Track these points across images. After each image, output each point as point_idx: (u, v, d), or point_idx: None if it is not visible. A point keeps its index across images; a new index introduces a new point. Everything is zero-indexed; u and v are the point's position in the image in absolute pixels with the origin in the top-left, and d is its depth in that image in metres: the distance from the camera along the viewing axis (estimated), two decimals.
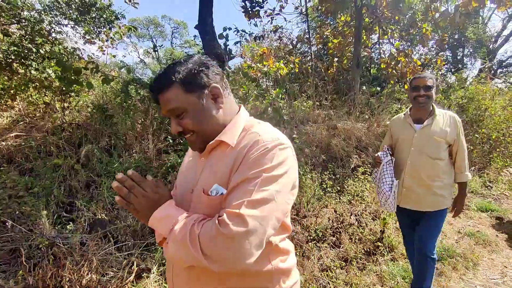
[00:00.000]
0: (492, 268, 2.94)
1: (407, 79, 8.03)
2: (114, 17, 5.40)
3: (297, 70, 7.86)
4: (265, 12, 8.72)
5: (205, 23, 4.75)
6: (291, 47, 9.38)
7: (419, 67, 8.23)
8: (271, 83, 7.46)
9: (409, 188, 2.09)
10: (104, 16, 5.33)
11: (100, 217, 2.80)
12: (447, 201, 2.06)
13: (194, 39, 5.25)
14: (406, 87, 7.86)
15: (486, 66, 8.61)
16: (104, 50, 6.05)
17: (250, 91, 5.36)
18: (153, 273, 2.34)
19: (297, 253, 2.80)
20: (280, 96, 5.11)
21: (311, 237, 3.07)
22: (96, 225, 2.68)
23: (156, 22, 26.78)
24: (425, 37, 8.26)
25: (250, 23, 8.79)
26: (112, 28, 5.60)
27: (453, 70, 11.27)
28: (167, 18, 27.91)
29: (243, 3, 7.01)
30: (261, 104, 5.21)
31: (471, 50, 11.29)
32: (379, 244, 3.04)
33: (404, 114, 2.27)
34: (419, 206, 2.08)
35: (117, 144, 4.07)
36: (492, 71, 12.70)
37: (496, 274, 2.84)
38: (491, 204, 4.17)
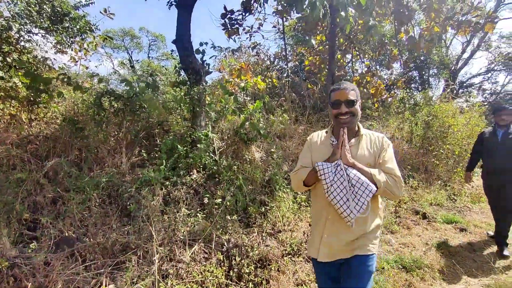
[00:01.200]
0: (456, 278, 3.07)
1: (375, 98, 8.45)
2: (88, 28, 5.29)
3: (276, 85, 8.02)
4: (244, 29, 8.93)
5: (182, 38, 4.76)
6: (268, 63, 9.60)
7: (382, 88, 8.70)
8: (248, 98, 7.57)
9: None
10: (78, 26, 5.21)
11: (67, 235, 2.66)
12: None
13: (172, 53, 5.23)
14: (376, 105, 8.26)
15: (449, 87, 9.24)
16: (76, 61, 5.87)
17: (227, 105, 5.40)
18: None
19: (272, 268, 2.79)
20: (257, 110, 5.17)
21: (286, 252, 3.07)
22: (63, 243, 2.54)
23: (132, 34, 26.44)
24: (392, 59, 8.78)
25: (229, 40, 8.94)
26: (87, 39, 5.48)
27: (420, 88, 12.00)
28: (145, 30, 27.65)
29: (223, 21, 7.13)
30: (238, 119, 5.25)
31: (435, 71, 12.15)
32: None
33: (326, 132, 1.82)
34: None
35: (88, 158, 3.91)
36: (454, 91, 13.67)
37: (461, 284, 2.97)
38: (455, 216, 4.40)
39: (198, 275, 2.50)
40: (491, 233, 3.94)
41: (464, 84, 16.43)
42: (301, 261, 2.99)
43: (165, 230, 2.96)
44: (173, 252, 2.70)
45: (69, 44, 5.39)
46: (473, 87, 16.52)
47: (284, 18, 8.12)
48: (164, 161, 3.90)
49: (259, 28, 8.91)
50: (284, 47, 9.13)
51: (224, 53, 11.99)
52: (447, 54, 13.42)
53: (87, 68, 6.39)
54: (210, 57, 8.52)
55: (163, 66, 7.89)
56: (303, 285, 2.70)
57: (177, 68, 5.05)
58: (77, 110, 4.50)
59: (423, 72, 12.80)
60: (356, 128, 1.73)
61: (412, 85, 12.61)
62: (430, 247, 3.52)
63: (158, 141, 5.03)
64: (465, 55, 15.34)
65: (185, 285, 2.41)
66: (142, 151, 4.37)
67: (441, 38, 13.26)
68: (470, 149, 6.35)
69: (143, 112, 4.71)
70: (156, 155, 4.35)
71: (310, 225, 3.49)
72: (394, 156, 1.69)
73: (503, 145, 3.60)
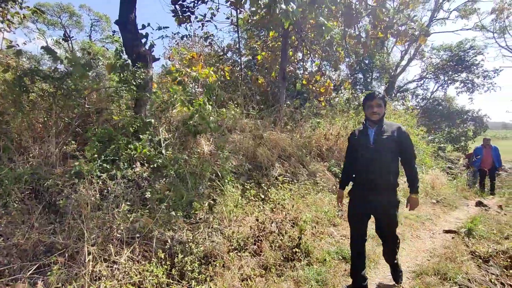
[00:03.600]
0: (387, 265, 3.32)
1: (324, 96, 8.83)
2: None
3: (228, 78, 7.87)
4: (196, 18, 8.59)
5: (126, 19, 4.37)
6: (221, 54, 9.40)
7: (330, 88, 9.14)
8: (199, 89, 7.31)
9: None
10: None
11: None
12: None
13: (114, 34, 4.78)
14: (323, 104, 8.62)
15: (386, 90, 10.06)
16: None
17: (176, 96, 5.13)
18: None
19: (217, 264, 2.72)
20: (207, 103, 5.00)
21: (233, 247, 3.02)
22: None
23: (71, 11, 23.85)
24: (338, 60, 9.24)
25: (180, 26, 8.52)
26: (11, 9, 4.73)
27: (363, 90, 12.91)
28: (86, 8, 25.12)
29: (173, 7, 6.74)
30: (187, 110, 5.03)
31: (378, 75, 13.18)
32: (297, 250, 3.16)
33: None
34: None
35: (8, 147, 3.40)
36: (393, 94, 15.01)
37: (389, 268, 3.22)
38: None
39: (136, 276, 2.32)
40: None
41: (401, 89, 18.10)
42: (247, 256, 2.97)
43: (100, 228, 2.69)
44: (108, 252, 2.47)
45: None
46: (408, 92, 18.29)
47: (238, 10, 7.98)
48: (97, 151, 3.55)
49: (212, 18, 8.66)
50: (238, 40, 9.00)
51: (175, 41, 11.44)
52: (388, 60, 14.61)
53: (11, 42, 5.55)
54: (158, 38, 7.99)
55: (106, 49, 7.22)
56: (248, 280, 2.68)
57: (118, 51, 4.64)
58: None
59: (367, 75, 13.79)
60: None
61: (357, 87, 13.51)
62: (368, 237, 3.76)
63: (96, 130, 4.60)
64: (403, 63, 16.90)
65: (120, 287, 2.21)
66: (76, 140, 3.95)
67: (383, 45, 14.37)
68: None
69: (78, 97, 4.25)
70: (89, 147, 3.96)
71: (257, 219, 3.48)
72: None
73: (376, 149, 2.51)
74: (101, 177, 3.48)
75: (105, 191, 3.53)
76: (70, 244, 2.39)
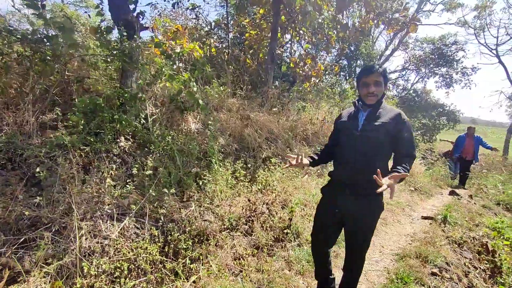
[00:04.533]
0: (373, 248, 3.47)
1: (312, 80, 8.82)
2: None
3: (214, 53, 7.60)
4: None
5: None
6: (208, 29, 9.03)
7: (321, 71, 9.14)
8: (182, 65, 7.02)
9: None
10: None
11: None
12: None
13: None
14: (308, 89, 8.62)
15: None
16: None
17: (164, 69, 4.88)
18: (34, 275, 1.86)
19: (211, 243, 2.69)
20: (193, 79, 4.81)
21: (225, 226, 3.00)
22: None
23: None
24: (330, 44, 9.20)
25: None
26: None
27: (347, 77, 13.07)
28: None
29: None
30: (174, 86, 4.82)
31: (362, 63, 13.34)
32: (288, 231, 3.20)
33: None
34: None
35: None
36: None
37: (376, 254, 3.37)
38: None
39: (129, 253, 2.24)
40: None
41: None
42: (239, 235, 2.96)
43: (87, 202, 2.56)
44: (97, 227, 2.36)
45: None
46: (390, 82, 18.71)
47: None
48: (81, 122, 3.33)
49: None
50: (226, 15, 8.66)
51: (158, 11, 10.82)
52: (373, 48, 14.80)
53: None
54: (147, 4, 7.50)
55: (85, 12, 6.69)
56: (241, 259, 2.68)
57: (102, 13, 4.29)
58: None
59: (352, 62, 13.92)
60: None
61: (342, 73, 13.63)
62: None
63: (76, 100, 4.30)
64: (387, 52, 17.17)
65: (113, 264, 2.13)
66: (57, 108, 3.68)
67: (369, 33, 14.48)
68: None
69: (58, 62, 3.92)
70: (74, 114, 3.71)
71: (249, 200, 3.47)
72: None
73: (363, 138, 1.95)
74: (85, 150, 3.29)
75: (88, 165, 3.36)
76: (56, 219, 2.25)
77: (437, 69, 16.78)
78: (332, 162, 2.24)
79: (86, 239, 2.19)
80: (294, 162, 2.04)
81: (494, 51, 17.31)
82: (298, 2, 4.18)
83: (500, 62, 17.35)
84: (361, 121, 1.99)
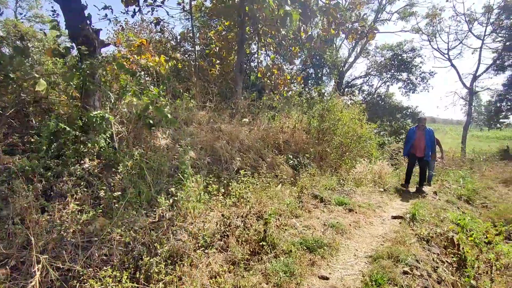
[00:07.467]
0: (348, 252, 3.54)
1: (280, 90, 9.00)
2: None
3: (180, 67, 7.52)
4: (145, 1, 8.03)
5: None
6: (173, 43, 8.95)
7: (288, 81, 9.35)
8: (149, 79, 6.88)
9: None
10: None
11: None
12: None
13: (54, 15, 4.23)
14: (277, 97, 8.77)
15: (336, 85, 10.62)
16: None
17: (128, 86, 4.75)
18: None
19: (185, 264, 2.61)
20: (161, 94, 4.72)
21: (199, 244, 2.93)
22: None
23: None
24: (293, 55, 9.47)
25: (127, 10, 7.89)
26: None
27: (315, 85, 13.45)
28: None
29: None
30: (140, 101, 4.70)
31: (328, 70, 13.85)
32: (263, 243, 3.18)
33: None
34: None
35: None
36: (342, 89, 15.97)
37: (351, 257, 3.44)
38: (344, 199, 5.08)
39: (97, 283, 2.11)
40: None
41: (349, 84, 19.35)
42: (214, 252, 2.90)
43: (48, 232, 2.39)
44: (61, 258, 2.20)
45: None
46: (355, 88, 19.60)
47: None
48: (45, 147, 3.16)
49: (163, 2, 8.18)
50: (191, 28, 8.64)
51: (120, 25, 10.59)
52: (337, 56, 15.45)
53: None
54: (101, 19, 7.30)
55: (40, 29, 6.39)
56: (218, 276, 2.62)
57: (59, 34, 4.12)
58: None
59: (318, 70, 14.39)
60: None
61: (309, 81, 14.01)
62: (328, 228, 3.95)
63: (33, 122, 4.06)
64: (350, 59, 17.99)
65: None
66: (15, 133, 3.46)
67: (333, 42, 15.08)
68: (354, 140, 7.46)
69: (11, 84, 3.70)
70: (32, 140, 3.50)
71: (223, 215, 3.42)
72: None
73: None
74: (45, 175, 3.10)
75: (49, 190, 3.16)
76: (13, 253, 2.08)
77: (398, 74, 17.89)
78: None
79: (46, 273, 2.04)
80: None
81: (446, 55, 18.76)
82: (267, 12, 4.28)
83: (452, 65, 18.81)
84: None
